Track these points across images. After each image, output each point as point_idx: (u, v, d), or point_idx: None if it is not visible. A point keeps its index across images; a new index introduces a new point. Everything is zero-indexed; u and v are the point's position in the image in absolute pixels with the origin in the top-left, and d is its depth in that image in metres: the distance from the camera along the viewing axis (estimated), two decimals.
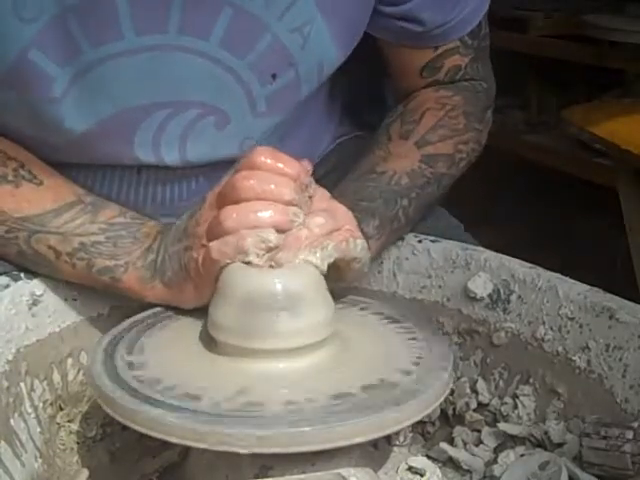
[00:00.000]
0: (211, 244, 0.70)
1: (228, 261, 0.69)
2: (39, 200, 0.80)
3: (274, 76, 0.85)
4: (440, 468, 0.72)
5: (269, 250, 0.69)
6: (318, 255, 0.69)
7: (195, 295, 0.74)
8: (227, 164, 0.81)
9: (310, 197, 0.72)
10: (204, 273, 0.71)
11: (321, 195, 0.73)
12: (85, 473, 0.74)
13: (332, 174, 1.01)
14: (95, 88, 0.80)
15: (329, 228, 0.71)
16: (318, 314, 0.69)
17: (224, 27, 0.80)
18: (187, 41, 0.80)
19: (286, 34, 0.83)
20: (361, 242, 0.73)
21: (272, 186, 0.69)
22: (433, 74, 0.97)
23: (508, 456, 0.72)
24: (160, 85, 0.82)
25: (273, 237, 0.69)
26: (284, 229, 0.69)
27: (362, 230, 0.75)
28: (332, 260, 0.70)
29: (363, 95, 1.14)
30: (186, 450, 0.72)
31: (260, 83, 0.85)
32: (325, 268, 0.70)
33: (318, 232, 0.70)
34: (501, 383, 0.80)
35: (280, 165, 0.70)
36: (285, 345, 0.68)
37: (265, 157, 0.70)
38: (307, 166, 0.73)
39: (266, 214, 0.69)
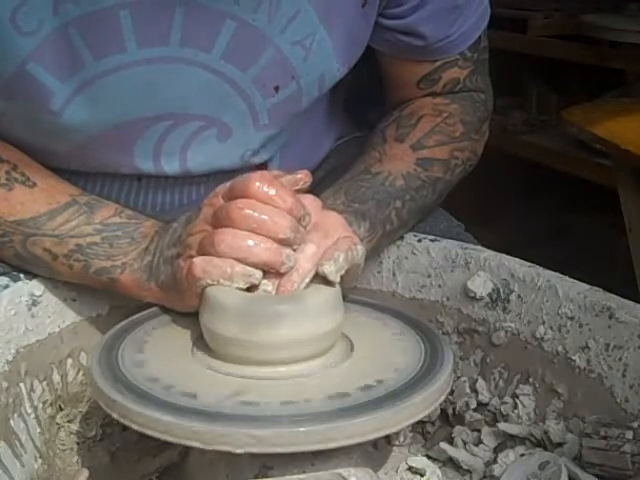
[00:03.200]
0: (195, 259, 0.70)
1: (209, 281, 0.69)
2: (33, 203, 0.80)
3: (276, 89, 0.85)
4: (440, 468, 0.72)
5: (252, 285, 0.69)
6: (333, 269, 0.69)
7: (182, 303, 0.74)
8: (228, 174, 0.82)
9: (305, 226, 0.71)
10: (186, 285, 0.71)
11: (312, 206, 0.72)
12: (85, 473, 0.73)
13: (331, 176, 1.00)
14: (96, 101, 0.80)
15: (321, 253, 0.70)
16: (320, 326, 0.69)
17: (227, 40, 0.80)
18: (189, 53, 0.80)
19: (288, 47, 0.83)
20: (361, 248, 0.72)
21: (268, 219, 0.68)
22: (430, 86, 0.96)
23: (508, 456, 0.72)
24: (162, 97, 0.82)
25: (259, 276, 0.69)
26: (274, 269, 0.69)
27: (354, 232, 0.75)
28: (344, 272, 0.70)
29: (363, 94, 1.14)
30: (186, 450, 0.72)
31: (262, 96, 0.85)
32: (339, 280, 0.70)
33: (309, 267, 0.69)
34: (501, 383, 0.80)
35: (273, 194, 0.68)
36: (287, 355, 0.68)
37: (261, 184, 0.69)
38: (305, 178, 0.73)
39: (260, 250, 0.68)
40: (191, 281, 0.70)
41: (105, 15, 0.76)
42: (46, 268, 0.79)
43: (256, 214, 0.68)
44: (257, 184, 0.69)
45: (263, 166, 0.93)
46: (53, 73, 0.77)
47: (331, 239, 0.71)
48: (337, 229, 0.72)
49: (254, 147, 0.89)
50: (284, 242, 0.69)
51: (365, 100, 1.15)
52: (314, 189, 1.00)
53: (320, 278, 0.70)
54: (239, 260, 0.68)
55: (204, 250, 0.70)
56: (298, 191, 0.72)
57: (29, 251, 0.79)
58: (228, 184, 0.72)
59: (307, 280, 0.69)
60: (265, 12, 0.80)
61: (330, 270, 0.69)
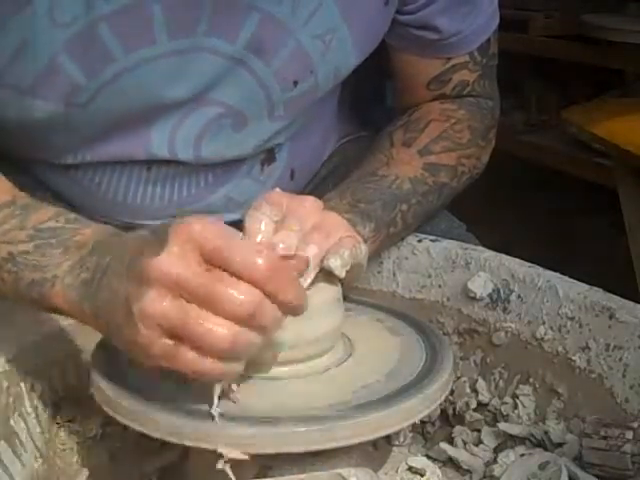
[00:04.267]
0: (185, 351, 0.57)
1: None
2: None
3: (295, 83, 0.86)
4: (440, 468, 0.72)
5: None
6: (339, 263, 0.68)
7: (123, 348, 0.62)
8: (237, 162, 0.86)
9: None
10: (145, 357, 0.60)
11: (312, 207, 0.71)
12: (85, 473, 0.74)
13: (334, 175, 1.01)
14: (121, 93, 0.81)
15: (323, 254, 0.69)
16: (321, 326, 0.68)
17: (251, 31, 0.81)
18: (214, 44, 0.81)
19: (309, 40, 0.84)
20: (364, 247, 0.72)
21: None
22: (440, 87, 0.97)
23: (508, 456, 0.72)
24: (184, 85, 0.83)
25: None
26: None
27: (358, 233, 0.75)
28: (349, 267, 0.70)
29: (365, 93, 1.14)
30: (186, 450, 0.72)
31: (282, 89, 0.86)
32: (344, 275, 0.69)
33: (311, 268, 0.68)
34: (501, 383, 0.80)
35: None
36: (286, 355, 0.68)
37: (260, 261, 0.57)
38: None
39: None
40: (152, 360, 0.59)
41: (138, 8, 0.77)
42: None
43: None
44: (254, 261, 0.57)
45: (272, 152, 0.94)
46: (82, 67, 0.78)
47: (333, 239, 0.70)
48: (339, 229, 0.71)
49: (266, 137, 0.91)
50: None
51: (372, 99, 1.16)
52: (317, 188, 1.01)
53: (322, 278, 0.70)
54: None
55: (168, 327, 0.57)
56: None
57: None
58: (207, 237, 0.57)
59: (309, 281, 0.69)
60: (289, 4, 0.82)
61: (336, 264, 0.68)
